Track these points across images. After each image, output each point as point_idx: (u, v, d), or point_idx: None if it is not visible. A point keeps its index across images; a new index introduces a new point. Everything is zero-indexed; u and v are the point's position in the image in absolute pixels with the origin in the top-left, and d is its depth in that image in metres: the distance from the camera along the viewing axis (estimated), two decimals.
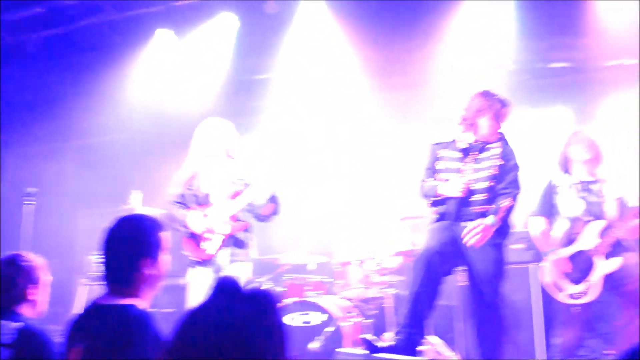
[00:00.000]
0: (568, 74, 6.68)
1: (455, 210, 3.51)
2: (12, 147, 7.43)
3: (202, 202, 3.91)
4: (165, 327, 1.73)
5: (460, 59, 6.21)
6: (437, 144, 3.73)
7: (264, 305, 1.21)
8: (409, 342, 3.32)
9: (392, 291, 4.71)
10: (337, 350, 3.85)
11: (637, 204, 3.93)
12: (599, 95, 6.47)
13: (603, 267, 3.87)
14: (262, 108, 7.15)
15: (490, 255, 3.41)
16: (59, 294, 3.42)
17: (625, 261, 3.84)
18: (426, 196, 3.68)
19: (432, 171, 3.68)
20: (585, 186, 4.09)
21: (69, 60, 6.87)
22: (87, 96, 6.82)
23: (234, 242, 3.84)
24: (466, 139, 3.54)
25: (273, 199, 3.90)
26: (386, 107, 6.46)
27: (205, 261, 3.81)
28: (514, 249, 4.46)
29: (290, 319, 4.48)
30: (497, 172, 3.48)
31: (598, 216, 3.98)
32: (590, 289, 3.86)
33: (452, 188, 3.47)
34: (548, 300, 4.30)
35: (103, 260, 2.19)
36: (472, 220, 3.42)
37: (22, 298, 2.66)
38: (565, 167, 4.18)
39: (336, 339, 4.28)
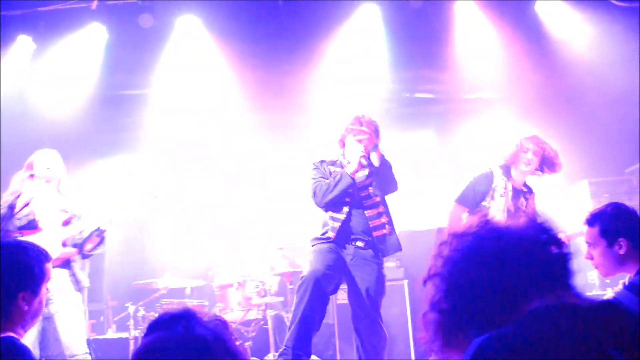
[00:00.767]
0: (431, 104, 7.29)
1: (355, 225, 3.62)
2: None
3: (30, 227, 3.69)
4: None
5: (334, 84, 6.47)
6: (323, 161, 3.82)
7: (222, 329, 1.19)
8: None
9: (272, 312, 4.71)
10: None
11: None
12: (457, 124, 7.11)
13: None
14: (132, 125, 6.86)
15: (374, 273, 3.56)
16: None
17: None
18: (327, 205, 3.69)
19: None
20: (516, 193, 4.02)
21: None
22: None
23: (67, 265, 3.69)
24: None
25: (100, 234, 3.79)
26: (261, 128, 6.49)
27: None
28: (387, 266, 4.70)
29: None
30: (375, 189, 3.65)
31: None
32: None
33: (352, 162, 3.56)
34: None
35: None
36: (375, 232, 3.57)
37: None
38: (508, 170, 4.05)
39: None
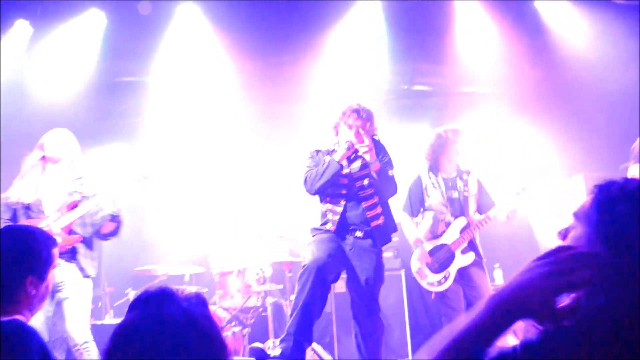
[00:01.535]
0: (428, 97, 7.33)
1: (352, 216, 3.65)
2: None
3: (35, 214, 3.66)
4: None
5: (333, 76, 6.48)
6: (319, 150, 3.84)
7: (196, 308, 1.20)
8: (297, 348, 3.37)
9: (271, 300, 4.74)
10: None
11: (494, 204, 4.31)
12: (454, 117, 7.15)
13: (459, 261, 4.22)
14: (129, 112, 6.83)
15: (372, 262, 3.59)
16: None
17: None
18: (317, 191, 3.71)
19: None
20: (452, 182, 4.35)
21: None
22: None
23: (69, 256, 3.64)
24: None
25: (115, 218, 3.76)
26: (260, 117, 6.49)
27: None
28: (384, 256, 4.74)
29: None
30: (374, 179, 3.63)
31: (461, 212, 4.29)
32: (447, 278, 4.20)
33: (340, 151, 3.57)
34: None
35: None
36: (360, 229, 3.60)
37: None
38: (433, 164, 4.41)
39: None
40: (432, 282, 4.25)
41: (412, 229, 4.40)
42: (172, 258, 5.10)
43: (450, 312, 4.21)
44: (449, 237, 4.26)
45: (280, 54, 6.42)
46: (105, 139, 6.84)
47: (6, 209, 3.67)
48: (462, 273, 4.22)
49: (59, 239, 3.51)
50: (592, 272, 1.07)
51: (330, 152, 3.75)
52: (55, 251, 2.10)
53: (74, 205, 3.68)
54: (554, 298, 1.08)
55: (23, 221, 3.60)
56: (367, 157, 3.56)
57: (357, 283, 3.59)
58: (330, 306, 4.95)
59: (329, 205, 3.70)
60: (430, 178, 4.38)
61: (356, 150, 3.63)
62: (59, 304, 3.56)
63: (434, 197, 4.33)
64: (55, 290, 3.50)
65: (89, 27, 6.18)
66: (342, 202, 3.65)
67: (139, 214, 5.93)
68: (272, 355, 3.35)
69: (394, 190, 3.72)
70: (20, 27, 6.05)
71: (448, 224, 4.28)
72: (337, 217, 3.63)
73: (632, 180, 1.23)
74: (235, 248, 5.15)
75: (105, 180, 3.93)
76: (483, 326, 1.08)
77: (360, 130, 3.58)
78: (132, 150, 6.69)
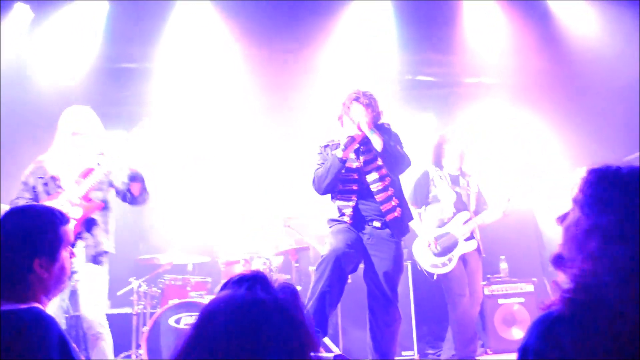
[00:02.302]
0: (433, 87, 7.27)
1: (366, 209, 3.61)
2: None
3: (53, 190, 3.59)
4: None
5: (339, 64, 6.41)
6: (327, 145, 3.79)
7: (287, 297, 1.20)
8: None
9: None
10: None
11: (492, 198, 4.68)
12: (458, 108, 7.10)
13: (462, 247, 4.51)
14: (131, 99, 6.72)
15: (391, 252, 3.56)
16: None
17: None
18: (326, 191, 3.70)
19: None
20: (455, 179, 4.64)
21: None
22: None
23: (88, 226, 3.55)
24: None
25: (135, 177, 3.70)
26: (266, 106, 6.42)
27: None
28: None
29: (175, 321, 4.28)
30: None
31: (464, 206, 4.60)
32: (451, 261, 4.46)
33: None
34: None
35: None
36: (388, 215, 3.55)
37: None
38: (438, 161, 4.69)
39: None
40: (436, 263, 4.49)
41: (416, 220, 4.52)
42: (176, 247, 5.02)
43: (453, 297, 4.41)
44: (453, 226, 4.55)
45: (286, 41, 6.33)
46: (106, 126, 6.74)
47: (26, 188, 3.60)
48: (462, 259, 4.50)
49: (78, 211, 3.48)
50: None
51: (337, 146, 3.69)
52: (66, 229, 1.98)
53: (89, 172, 3.59)
54: None
55: (43, 199, 3.52)
56: (377, 145, 3.50)
57: (375, 273, 3.55)
58: None
59: (340, 203, 3.67)
60: (437, 171, 4.66)
61: (363, 142, 3.58)
62: (72, 287, 3.48)
63: (441, 188, 4.59)
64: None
65: (91, 11, 6.05)
66: (354, 198, 3.62)
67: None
68: None
69: (407, 163, 3.65)
70: (20, 10, 5.91)
71: (454, 215, 4.56)
72: (350, 211, 3.61)
73: (628, 166, 1.24)
74: (242, 237, 5.10)
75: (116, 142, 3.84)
76: None
77: (361, 122, 3.52)
78: (133, 138, 6.58)
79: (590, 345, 1.09)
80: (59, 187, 3.59)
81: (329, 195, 3.74)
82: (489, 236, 4.94)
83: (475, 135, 6.50)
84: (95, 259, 3.54)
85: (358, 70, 6.45)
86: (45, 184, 3.59)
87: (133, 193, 3.75)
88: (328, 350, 4.09)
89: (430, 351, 5.38)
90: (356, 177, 3.63)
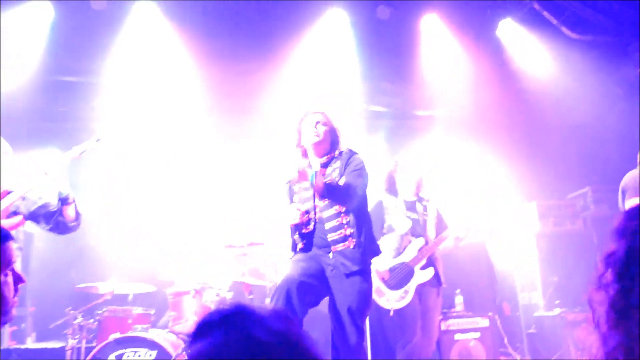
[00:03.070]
0: (384, 118, 7.26)
1: (318, 239, 3.40)
2: None
3: None
4: None
5: (295, 88, 6.28)
6: (289, 181, 3.63)
7: (286, 327, 0.96)
8: None
9: None
10: None
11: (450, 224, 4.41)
12: (408, 139, 7.12)
13: (419, 277, 4.25)
14: (73, 115, 6.29)
15: (355, 286, 3.33)
16: None
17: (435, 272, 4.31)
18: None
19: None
20: (411, 205, 4.41)
21: None
22: None
23: None
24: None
25: (65, 201, 3.54)
26: (220, 128, 6.16)
27: None
28: None
29: (117, 357, 3.89)
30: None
31: (420, 233, 4.34)
32: (407, 293, 4.19)
33: (292, 217, 3.39)
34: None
35: None
36: (334, 246, 3.34)
37: None
38: (392, 188, 4.50)
39: None
40: (391, 298, 4.21)
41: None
42: (115, 274, 4.61)
43: (403, 336, 4.20)
44: (408, 255, 4.29)
45: (242, 61, 6.14)
46: (39, 142, 6.27)
47: None
48: (419, 293, 4.25)
49: None
50: None
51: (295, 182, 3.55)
52: (7, 247, 1.79)
53: (6, 193, 3.36)
54: None
55: None
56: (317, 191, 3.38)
57: (337, 309, 3.31)
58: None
59: (299, 226, 3.42)
60: (390, 200, 4.44)
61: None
62: None
63: (396, 217, 4.38)
64: None
65: (34, 18, 5.64)
66: (310, 227, 3.40)
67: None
68: None
69: (354, 195, 3.38)
70: None
71: (409, 243, 4.32)
72: (303, 241, 3.41)
73: None
74: (191, 265, 4.77)
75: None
76: None
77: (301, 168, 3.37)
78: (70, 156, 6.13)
79: None
80: None
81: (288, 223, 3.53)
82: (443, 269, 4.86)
83: (434, 161, 6.53)
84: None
85: (315, 94, 6.33)
86: None
87: (65, 217, 3.54)
88: None
89: None
90: (311, 204, 3.43)
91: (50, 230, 3.60)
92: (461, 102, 6.66)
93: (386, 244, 4.36)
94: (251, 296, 4.56)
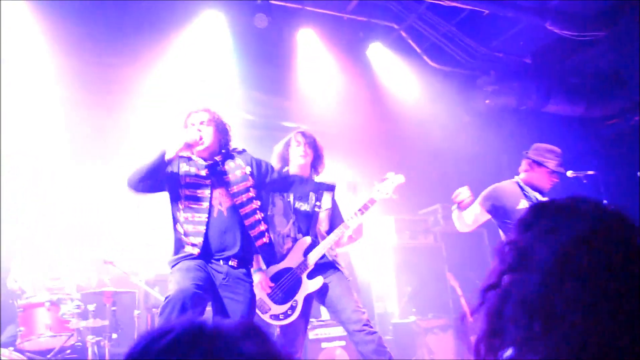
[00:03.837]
0: (253, 127, 7.20)
1: (209, 247, 3.21)
2: None
3: None
4: None
5: (164, 86, 5.97)
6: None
7: (262, 343, 0.80)
8: None
9: (93, 339, 3.96)
10: None
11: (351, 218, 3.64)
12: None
13: (306, 286, 3.60)
14: None
15: (247, 294, 3.20)
16: None
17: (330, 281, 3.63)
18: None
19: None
20: (302, 195, 3.76)
21: None
22: None
23: None
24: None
25: None
26: (79, 123, 5.60)
27: None
28: None
29: None
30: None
31: (307, 229, 3.69)
32: (295, 309, 3.58)
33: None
34: None
35: None
36: (226, 257, 3.20)
37: None
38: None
39: None
40: (277, 314, 3.56)
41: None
42: None
43: (290, 347, 3.63)
44: (293, 259, 3.62)
45: (105, 53, 5.67)
46: None
47: None
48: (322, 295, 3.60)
49: None
50: None
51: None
52: None
53: None
54: None
55: None
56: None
57: (227, 319, 3.15)
58: None
59: (188, 228, 3.15)
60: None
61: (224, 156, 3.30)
62: None
63: (279, 208, 3.71)
64: None
65: None
66: (205, 217, 3.15)
67: None
68: None
69: None
70: None
71: (294, 241, 3.66)
72: (200, 240, 3.13)
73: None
74: (41, 272, 4.23)
75: None
76: None
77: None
78: None
79: None
80: None
81: (170, 221, 3.28)
82: None
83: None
84: None
85: (180, 94, 6.06)
86: None
87: None
88: None
89: None
90: (208, 182, 3.21)
91: None
92: (330, 118, 6.85)
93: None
94: (114, 307, 4.18)
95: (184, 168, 3.27)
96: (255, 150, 6.72)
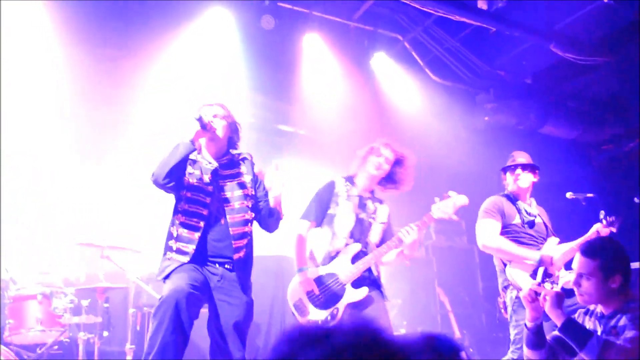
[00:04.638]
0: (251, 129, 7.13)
1: (204, 251, 3.10)
2: None
3: None
4: None
5: (167, 82, 5.88)
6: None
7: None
8: None
9: (85, 336, 3.82)
10: None
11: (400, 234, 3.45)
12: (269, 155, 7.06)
13: (350, 295, 3.43)
14: None
15: (243, 298, 3.12)
16: None
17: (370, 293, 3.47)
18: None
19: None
20: (363, 202, 3.65)
21: None
22: None
23: None
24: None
25: None
26: (85, 118, 5.46)
27: None
28: None
29: None
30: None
31: (361, 236, 3.56)
32: (335, 317, 3.39)
33: None
34: None
35: None
36: (226, 258, 3.11)
37: None
38: (352, 178, 3.73)
39: None
40: (316, 320, 3.39)
41: (301, 249, 3.55)
42: None
43: None
44: (340, 265, 3.45)
45: (111, 46, 5.56)
46: None
47: None
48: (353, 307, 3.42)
49: None
50: None
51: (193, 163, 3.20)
52: None
53: None
54: None
55: None
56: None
57: (222, 323, 3.06)
58: None
59: (182, 231, 3.08)
60: (344, 186, 3.65)
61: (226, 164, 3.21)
62: None
63: (343, 209, 3.56)
64: None
65: None
66: (201, 224, 3.07)
67: None
68: None
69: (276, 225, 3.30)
70: None
71: (345, 246, 3.50)
72: (193, 247, 3.04)
73: None
74: (34, 263, 4.09)
75: None
76: None
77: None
78: None
79: None
80: None
81: (168, 221, 3.19)
82: None
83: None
84: None
85: (191, 91, 5.98)
86: None
87: None
88: None
89: None
90: (210, 188, 3.12)
91: None
92: (330, 125, 6.81)
93: (320, 239, 3.61)
94: (106, 304, 4.05)
95: (188, 170, 3.18)
96: (254, 151, 6.70)
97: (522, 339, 2.73)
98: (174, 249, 3.08)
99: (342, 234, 3.54)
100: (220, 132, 3.18)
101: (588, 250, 2.54)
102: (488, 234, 3.73)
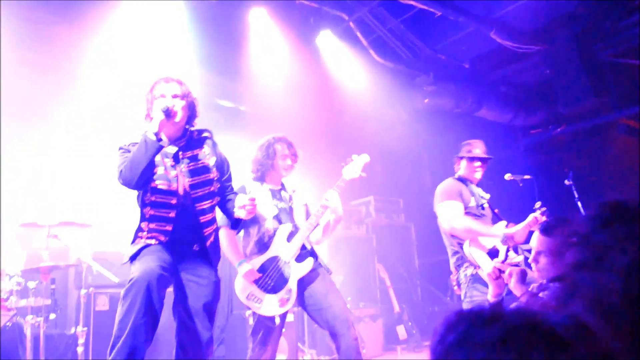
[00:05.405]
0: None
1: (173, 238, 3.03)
2: None
3: None
4: None
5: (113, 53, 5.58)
6: (134, 143, 3.00)
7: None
8: None
9: (32, 319, 3.62)
10: None
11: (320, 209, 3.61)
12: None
13: (297, 270, 3.54)
14: None
15: (212, 277, 3.08)
16: None
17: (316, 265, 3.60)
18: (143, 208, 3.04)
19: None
20: (276, 194, 3.78)
21: None
22: None
23: None
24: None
25: None
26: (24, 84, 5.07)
27: None
28: None
29: None
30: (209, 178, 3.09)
31: (288, 221, 3.68)
32: (291, 293, 3.50)
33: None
34: None
35: None
36: (196, 239, 3.05)
37: None
38: (260, 174, 3.81)
39: None
40: (273, 303, 3.48)
41: (234, 246, 3.67)
42: None
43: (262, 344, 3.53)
44: (278, 247, 3.57)
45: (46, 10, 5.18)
46: None
47: None
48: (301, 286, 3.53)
49: None
50: None
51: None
52: None
53: None
54: None
55: None
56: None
57: (190, 303, 3.01)
58: None
59: (153, 224, 2.98)
60: (255, 185, 3.77)
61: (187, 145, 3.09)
62: None
63: (260, 206, 3.61)
64: None
65: None
66: (171, 214, 2.98)
67: None
68: None
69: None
70: None
71: (275, 232, 3.60)
72: (163, 237, 2.97)
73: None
74: None
75: None
76: None
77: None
78: None
79: None
80: None
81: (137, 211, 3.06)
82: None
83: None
84: None
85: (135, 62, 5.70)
86: None
87: None
88: None
89: None
90: (174, 186, 3.00)
91: None
92: (272, 101, 6.75)
93: (247, 237, 3.73)
94: (53, 285, 3.85)
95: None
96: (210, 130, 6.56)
97: None
98: (143, 238, 2.99)
99: (268, 221, 3.64)
100: (180, 114, 3.00)
101: (547, 229, 2.72)
102: (454, 215, 3.89)
